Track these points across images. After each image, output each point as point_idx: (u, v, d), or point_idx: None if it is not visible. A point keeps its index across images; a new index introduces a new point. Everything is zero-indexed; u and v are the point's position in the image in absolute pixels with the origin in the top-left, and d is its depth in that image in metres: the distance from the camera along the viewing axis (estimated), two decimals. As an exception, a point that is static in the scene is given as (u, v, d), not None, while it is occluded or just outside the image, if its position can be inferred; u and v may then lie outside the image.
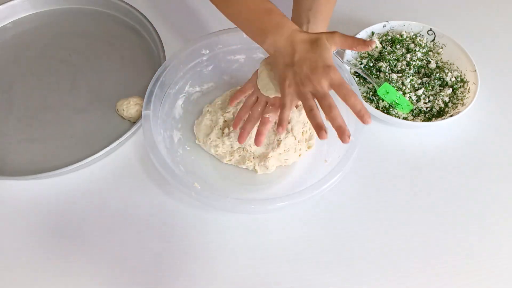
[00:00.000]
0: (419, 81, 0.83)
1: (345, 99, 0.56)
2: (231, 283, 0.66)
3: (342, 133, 0.55)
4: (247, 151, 0.74)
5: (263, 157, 0.73)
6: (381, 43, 0.88)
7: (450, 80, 0.83)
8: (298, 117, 0.74)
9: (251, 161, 0.73)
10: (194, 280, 0.66)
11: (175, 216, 0.71)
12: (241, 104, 0.75)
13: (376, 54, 0.87)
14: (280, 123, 0.62)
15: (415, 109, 0.81)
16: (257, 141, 0.68)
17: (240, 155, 0.74)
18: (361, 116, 0.55)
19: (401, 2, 0.99)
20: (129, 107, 0.77)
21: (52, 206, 0.71)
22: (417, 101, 0.82)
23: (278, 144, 0.73)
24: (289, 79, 0.59)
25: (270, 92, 0.66)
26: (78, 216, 0.71)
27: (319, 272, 0.66)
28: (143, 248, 0.68)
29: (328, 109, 0.56)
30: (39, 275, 0.66)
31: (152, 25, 0.88)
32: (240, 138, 0.70)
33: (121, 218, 0.70)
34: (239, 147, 0.74)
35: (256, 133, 0.68)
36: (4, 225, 0.70)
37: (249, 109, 0.71)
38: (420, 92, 0.81)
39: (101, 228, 0.70)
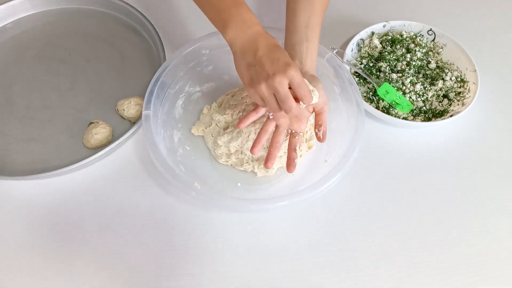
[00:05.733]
0: (419, 81, 0.83)
1: (302, 99, 0.58)
2: (231, 283, 0.66)
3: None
4: (245, 154, 0.74)
5: (263, 160, 0.73)
6: (381, 43, 0.88)
7: (450, 79, 0.83)
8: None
9: (250, 164, 0.73)
10: (194, 280, 0.66)
11: (175, 216, 0.71)
12: (239, 107, 0.75)
13: (376, 54, 0.87)
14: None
15: (415, 109, 0.81)
16: (289, 168, 0.68)
17: (237, 158, 0.74)
18: (318, 114, 0.65)
19: (401, 2, 0.99)
20: (129, 107, 0.77)
21: (52, 206, 0.71)
22: (417, 101, 0.82)
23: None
24: (251, 79, 0.59)
25: None
26: (78, 216, 0.71)
27: (319, 272, 0.66)
28: (143, 248, 0.68)
29: (289, 111, 0.58)
30: (39, 274, 0.66)
31: (152, 25, 0.88)
32: (268, 163, 0.68)
33: (121, 218, 0.70)
34: (236, 150, 0.74)
35: (288, 161, 0.68)
36: (4, 225, 0.70)
37: (269, 135, 0.69)
38: (418, 88, 0.81)
39: (101, 228, 0.69)
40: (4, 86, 0.84)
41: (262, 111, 0.68)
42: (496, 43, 0.93)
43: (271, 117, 0.68)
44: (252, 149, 0.68)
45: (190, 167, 0.73)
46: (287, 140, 0.72)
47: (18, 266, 0.67)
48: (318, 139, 0.68)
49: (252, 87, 0.59)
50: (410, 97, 0.81)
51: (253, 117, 0.68)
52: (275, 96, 0.58)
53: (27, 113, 0.81)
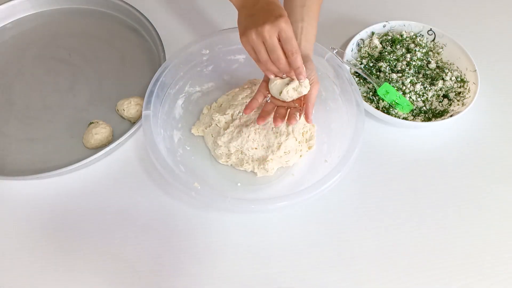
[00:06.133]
0: (419, 81, 0.83)
1: (287, 54, 0.59)
2: (231, 283, 0.66)
3: (298, 74, 0.62)
4: (245, 154, 0.74)
5: (263, 160, 0.73)
6: (381, 43, 0.88)
7: (450, 79, 0.83)
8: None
9: (250, 164, 0.73)
10: (194, 280, 0.66)
11: (175, 216, 0.71)
12: (239, 107, 0.75)
13: (376, 54, 0.87)
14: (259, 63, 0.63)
15: (415, 109, 0.81)
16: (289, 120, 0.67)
17: (237, 158, 0.74)
18: (298, 74, 0.61)
19: (401, 2, 0.99)
20: (130, 107, 0.77)
21: (52, 206, 0.71)
22: (417, 101, 0.82)
23: (278, 147, 0.72)
24: (245, 28, 0.60)
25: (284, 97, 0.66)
26: (78, 216, 0.71)
27: (319, 272, 0.66)
28: (143, 248, 0.68)
29: (277, 62, 0.60)
30: (39, 275, 0.66)
31: (152, 25, 0.88)
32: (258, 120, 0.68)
33: (121, 218, 0.70)
34: (236, 150, 0.74)
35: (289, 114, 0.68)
36: (4, 225, 0.70)
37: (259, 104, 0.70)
38: (418, 88, 0.81)
39: (101, 228, 0.70)
40: (4, 86, 0.84)
41: (261, 97, 0.69)
42: (496, 43, 0.93)
43: (268, 101, 0.69)
44: (244, 109, 0.69)
45: (190, 167, 0.73)
46: (287, 140, 0.72)
47: (18, 265, 0.67)
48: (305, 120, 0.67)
49: (244, 35, 0.60)
50: (410, 97, 0.81)
51: (255, 103, 0.68)
52: (265, 46, 0.59)
53: (27, 113, 0.81)
